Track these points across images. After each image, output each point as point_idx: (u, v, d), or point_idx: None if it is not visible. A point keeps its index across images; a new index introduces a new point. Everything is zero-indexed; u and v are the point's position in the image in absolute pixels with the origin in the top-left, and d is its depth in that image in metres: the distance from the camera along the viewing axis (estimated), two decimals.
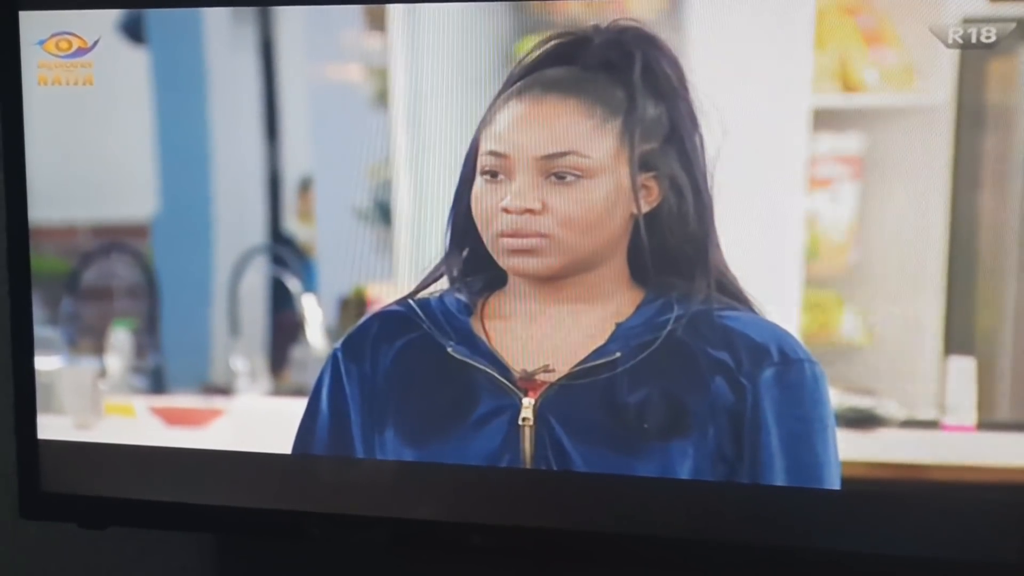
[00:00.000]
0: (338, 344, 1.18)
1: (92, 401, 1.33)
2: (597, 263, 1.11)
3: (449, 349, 1.14)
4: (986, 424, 1.12)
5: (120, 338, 1.34)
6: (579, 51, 1.09)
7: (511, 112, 1.09)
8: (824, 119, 1.12)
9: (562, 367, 1.12)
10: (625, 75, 1.08)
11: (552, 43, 1.10)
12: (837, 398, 1.12)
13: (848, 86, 1.14)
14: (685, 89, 1.09)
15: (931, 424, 1.13)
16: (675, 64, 1.09)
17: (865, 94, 1.14)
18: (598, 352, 1.12)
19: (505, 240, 1.10)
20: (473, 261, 1.13)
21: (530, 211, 1.08)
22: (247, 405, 1.30)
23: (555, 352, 1.13)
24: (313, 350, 1.29)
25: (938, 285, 1.12)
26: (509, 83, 1.11)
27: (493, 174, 1.09)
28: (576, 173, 1.07)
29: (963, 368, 1.12)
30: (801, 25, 1.10)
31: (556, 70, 1.09)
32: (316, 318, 1.29)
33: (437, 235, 1.16)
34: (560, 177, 1.08)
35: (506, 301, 1.15)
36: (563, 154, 1.07)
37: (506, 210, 1.08)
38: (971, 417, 1.12)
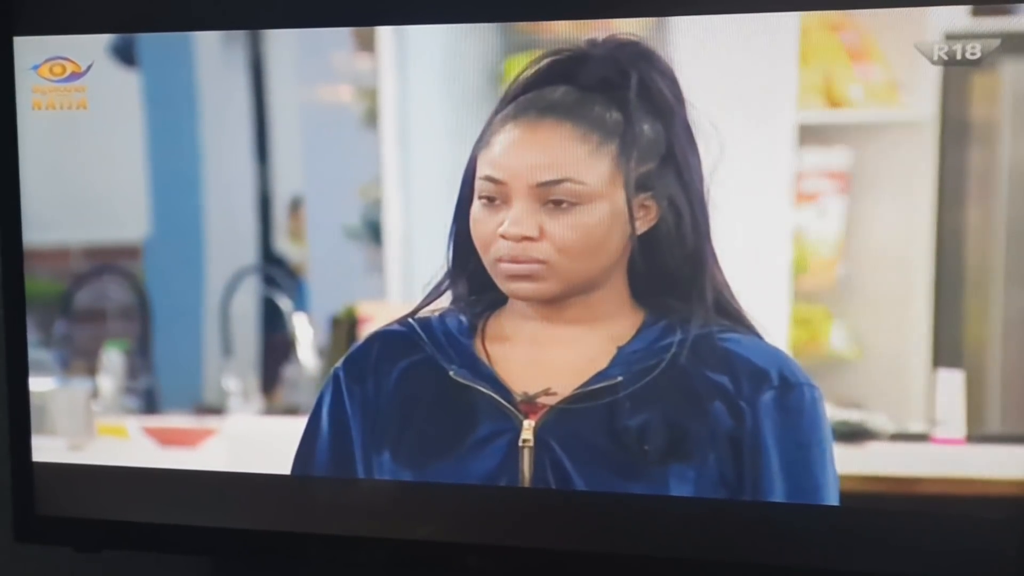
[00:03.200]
0: (339, 364, 1.17)
1: (85, 422, 1.33)
2: (597, 285, 1.11)
3: (451, 373, 1.14)
4: (975, 437, 1.12)
5: (113, 359, 1.34)
6: (575, 68, 1.09)
7: (507, 137, 1.09)
8: (810, 135, 1.13)
9: (563, 390, 1.12)
10: (621, 94, 1.08)
11: (548, 60, 1.10)
12: (827, 412, 1.12)
13: (833, 102, 1.15)
14: (682, 106, 1.08)
15: (921, 437, 1.13)
16: (672, 81, 1.09)
17: (850, 110, 1.14)
18: (599, 376, 1.11)
19: (503, 265, 1.10)
20: (475, 280, 1.13)
21: (528, 238, 1.08)
22: (240, 425, 1.31)
23: (556, 375, 1.13)
24: (305, 369, 1.30)
25: (926, 298, 1.13)
26: (505, 101, 1.10)
27: (490, 199, 1.09)
28: (572, 199, 1.07)
29: (952, 381, 1.12)
30: (786, 42, 1.11)
31: (552, 90, 1.09)
32: (307, 337, 1.29)
33: (428, 254, 1.16)
34: (557, 203, 1.08)
35: (507, 321, 1.15)
36: (559, 182, 1.07)
37: (504, 236, 1.08)
38: (960, 430, 1.12)
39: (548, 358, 1.13)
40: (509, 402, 1.13)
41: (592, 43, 1.10)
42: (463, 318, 1.15)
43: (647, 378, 1.10)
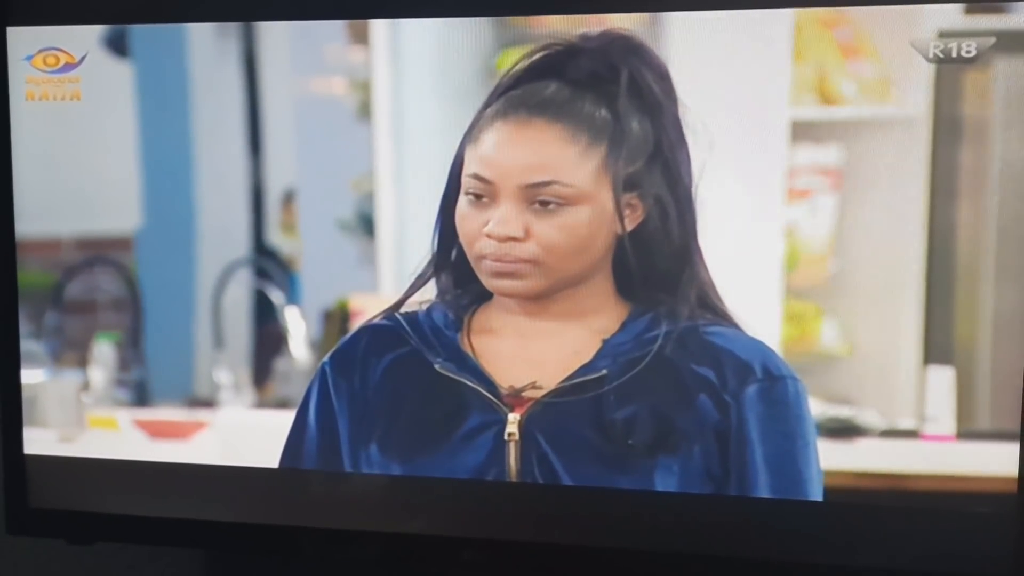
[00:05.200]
0: (326, 358, 1.18)
1: (76, 414, 1.33)
2: (581, 281, 1.11)
3: (437, 366, 1.14)
4: (965, 433, 1.13)
5: (104, 351, 1.34)
6: (567, 63, 1.08)
7: (496, 135, 1.09)
8: (803, 131, 1.13)
9: (549, 383, 1.12)
10: (611, 91, 1.07)
11: (539, 54, 1.09)
12: (818, 408, 1.12)
13: (826, 98, 1.15)
14: (673, 103, 1.08)
15: (911, 434, 1.14)
16: (663, 77, 1.08)
17: (843, 106, 1.14)
18: (585, 368, 1.12)
19: (488, 263, 1.10)
20: (460, 274, 1.13)
21: (513, 239, 1.08)
22: (231, 418, 1.31)
23: (541, 368, 1.13)
24: (296, 362, 1.30)
25: (917, 295, 1.13)
26: (496, 94, 1.10)
27: (477, 196, 1.09)
28: (559, 201, 1.07)
29: (942, 378, 1.13)
30: (779, 38, 1.11)
31: (544, 86, 1.08)
32: (299, 330, 1.30)
33: (420, 247, 1.16)
34: (544, 204, 1.07)
35: (492, 315, 1.15)
36: (546, 183, 1.07)
37: (489, 236, 1.08)
38: (950, 426, 1.13)
39: (533, 352, 1.13)
40: (495, 395, 1.13)
41: (584, 37, 1.10)
42: (449, 312, 1.15)
43: (633, 371, 1.11)
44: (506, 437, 1.13)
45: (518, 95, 1.09)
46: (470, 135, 1.10)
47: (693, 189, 1.09)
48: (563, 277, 1.10)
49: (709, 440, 1.10)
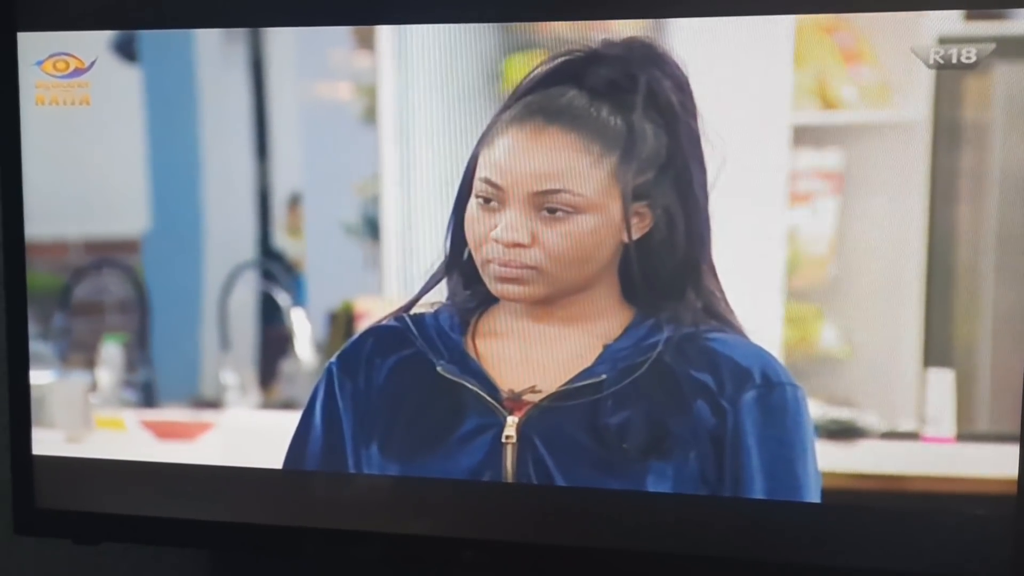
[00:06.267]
0: (333, 358, 1.19)
1: (83, 415, 1.34)
2: (586, 287, 1.12)
3: (439, 368, 1.15)
4: (965, 435, 1.13)
5: (111, 352, 1.34)
6: (586, 69, 1.08)
7: (510, 140, 1.09)
8: (804, 135, 1.14)
9: (548, 387, 1.13)
10: (628, 101, 1.07)
11: (561, 59, 1.10)
12: (818, 410, 1.13)
13: (826, 103, 1.16)
14: (689, 116, 1.08)
15: (911, 436, 1.14)
16: (683, 88, 1.08)
17: (844, 111, 1.15)
18: (584, 373, 1.12)
19: (493, 267, 1.10)
20: (469, 275, 1.14)
21: (519, 245, 1.09)
22: (237, 418, 1.31)
23: (543, 372, 1.14)
24: (302, 364, 1.30)
25: (917, 298, 1.13)
26: (514, 98, 1.10)
27: (487, 200, 1.10)
28: (567, 209, 1.08)
29: (942, 380, 1.13)
30: (781, 43, 1.12)
31: (561, 93, 1.08)
32: (305, 332, 1.30)
33: (425, 250, 1.17)
34: (552, 211, 1.08)
35: (498, 318, 1.15)
36: (556, 192, 1.07)
37: (495, 240, 1.09)
38: (950, 428, 1.13)
39: (536, 355, 1.14)
40: (495, 398, 1.13)
41: (607, 44, 1.10)
42: (456, 315, 1.15)
43: (632, 376, 1.11)
44: (503, 440, 1.13)
45: (535, 101, 1.09)
46: (485, 138, 1.11)
47: (705, 201, 1.09)
48: (566, 284, 1.10)
49: (705, 445, 1.10)
